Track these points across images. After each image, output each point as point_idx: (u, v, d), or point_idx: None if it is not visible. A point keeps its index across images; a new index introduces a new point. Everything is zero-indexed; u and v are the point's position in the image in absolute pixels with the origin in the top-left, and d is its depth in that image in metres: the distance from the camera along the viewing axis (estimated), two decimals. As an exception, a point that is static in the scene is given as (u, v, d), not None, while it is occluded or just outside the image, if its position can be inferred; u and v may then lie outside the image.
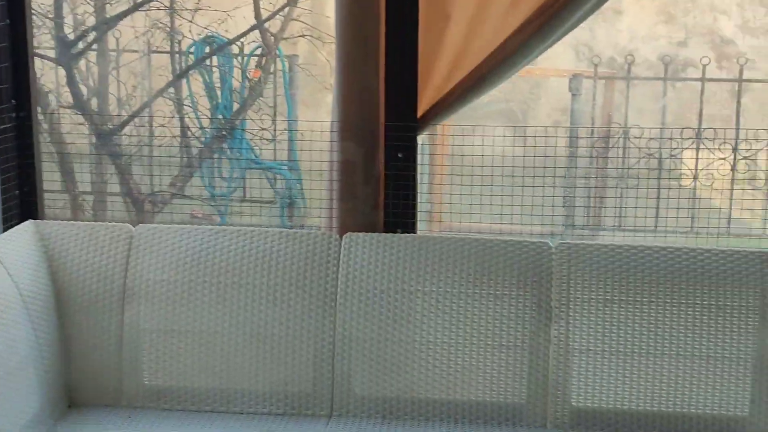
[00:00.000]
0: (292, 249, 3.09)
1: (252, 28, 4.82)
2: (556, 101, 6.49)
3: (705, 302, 2.95)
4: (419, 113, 3.17)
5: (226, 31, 4.95)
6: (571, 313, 2.99)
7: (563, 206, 5.34)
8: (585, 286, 2.99)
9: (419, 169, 3.24)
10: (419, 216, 3.46)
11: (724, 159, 5.12)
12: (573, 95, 5.63)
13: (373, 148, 3.14)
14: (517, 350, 3.00)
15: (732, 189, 5.20)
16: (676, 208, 5.05)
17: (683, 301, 2.95)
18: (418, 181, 3.22)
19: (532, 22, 3.10)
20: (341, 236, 3.09)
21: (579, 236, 5.46)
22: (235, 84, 5.30)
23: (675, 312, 2.95)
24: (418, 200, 3.24)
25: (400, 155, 3.13)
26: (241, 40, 5.08)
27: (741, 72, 5.52)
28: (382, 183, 3.15)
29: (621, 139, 5.40)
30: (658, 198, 5.10)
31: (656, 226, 5.19)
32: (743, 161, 5.21)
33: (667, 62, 5.60)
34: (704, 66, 5.48)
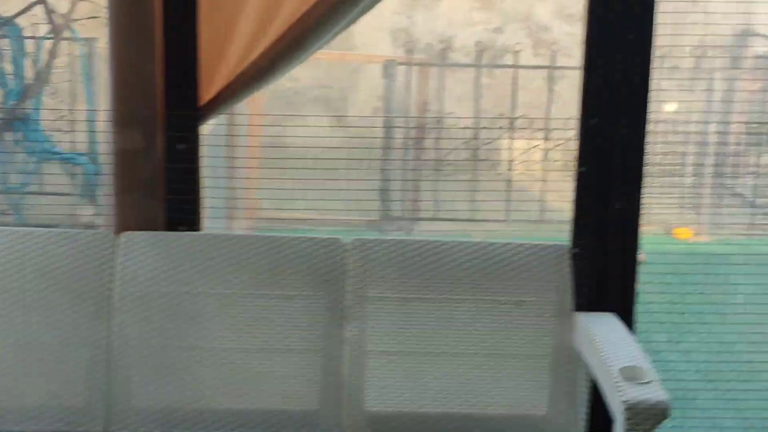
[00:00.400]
0: (64, 250, 2.81)
1: (30, 6, 4.46)
2: (374, 88, 6.36)
3: (502, 298, 2.84)
4: (204, 100, 2.95)
5: (6, 11, 4.57)
6: (365, 314, 2.82)
7: (380, 197, 5.22)
8: (380, 284, 2.84)
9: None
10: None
11: (537, 146, 5.10)
12: (387, 82, 5.50)
13: (152, 139, 2.90)
14: (309, 354, 2.82)
15: (545, 177, 5.19)
16: (490, 201, 5.01)
17: (480, 298, 2.84)
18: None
19: (323, 3, 2.91)
20: (119, 234, 2.84)
21: (396, 227, 5.36)
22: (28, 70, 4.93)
23: (473, 309, 2.84)
24: (204, 195, 3.02)
25: (181, 146, 2.89)
26: (32, 21, 4.71)
27: (553, 59, 5.52)
28: (162, 177, 2.91)
29: (436, 127, 5.32)
30: (474, 190, 5.03)
31: (473, 217, 5.12)
32: (558, 148, 5.20)
33: (480, 49, 5.53)
34: (517, 53, 5.44)
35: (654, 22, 2.85)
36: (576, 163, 2.94)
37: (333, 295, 2.82)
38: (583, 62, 2.86)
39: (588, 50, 2.85)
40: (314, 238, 2.87)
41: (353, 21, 3.03)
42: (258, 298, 2.81)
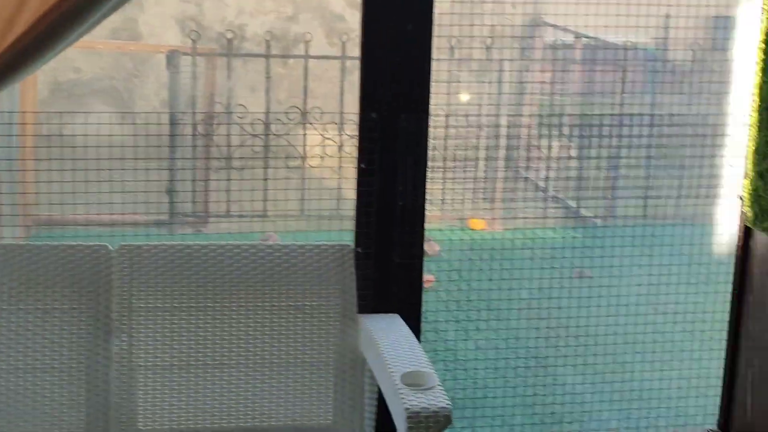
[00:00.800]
0: None
1: None
2: (161, 80, 6.08)
3: (283, 304, 2.69)
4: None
5: None
6: (134, 326, 2.61)
7: (168, 195, 4.99)
8: (150, 294, 2.63)
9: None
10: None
11: (330, 139, 4.98)
12: (172, 74, 5.24)
13: None
14: (72, 372, 2.58)
15: (340, 170, 5.08)
16: (285, 200, 4.86)
17: (259, 305, 2.68)
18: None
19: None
20: None
21: (185, 224, 5.14)
22: None
23: (251, 317, 2.67)
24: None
25: None
26: None
27: (344, 49, 5.41)
28: None
29: (225, 120, 5.13)
30: (265, 187, 4.88)
31: (266, 213, 4.95)
32: (351, 142, 5.09)
33: (268, 39, 5.35)
34: (307, 42, 5.30)
35: (433, 12, 2.75)
36: (357, 159, 2.82)
37: (97, 306, 2.60)
38: (361, 54, 2.74)
39: (365, 42, 2.73)
40: (77, 245, 2.64)
41: (112, 11, 2.78)
42: (13, 314, 2.56)
